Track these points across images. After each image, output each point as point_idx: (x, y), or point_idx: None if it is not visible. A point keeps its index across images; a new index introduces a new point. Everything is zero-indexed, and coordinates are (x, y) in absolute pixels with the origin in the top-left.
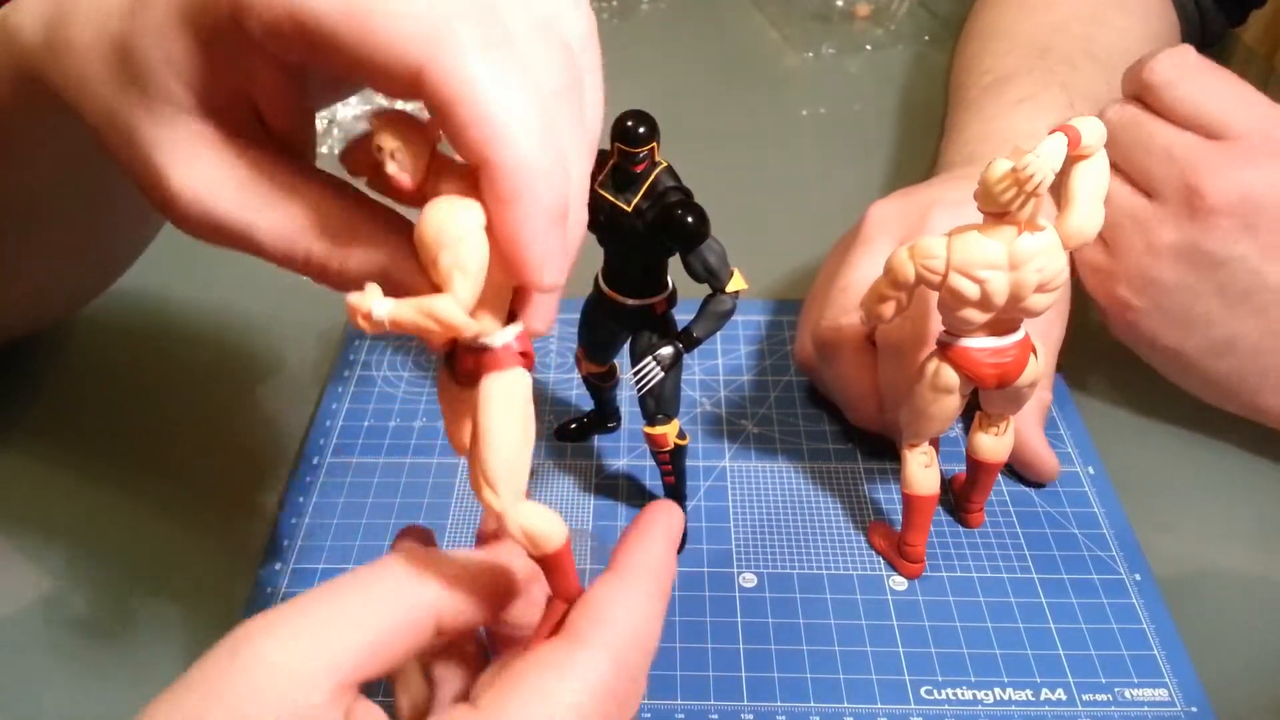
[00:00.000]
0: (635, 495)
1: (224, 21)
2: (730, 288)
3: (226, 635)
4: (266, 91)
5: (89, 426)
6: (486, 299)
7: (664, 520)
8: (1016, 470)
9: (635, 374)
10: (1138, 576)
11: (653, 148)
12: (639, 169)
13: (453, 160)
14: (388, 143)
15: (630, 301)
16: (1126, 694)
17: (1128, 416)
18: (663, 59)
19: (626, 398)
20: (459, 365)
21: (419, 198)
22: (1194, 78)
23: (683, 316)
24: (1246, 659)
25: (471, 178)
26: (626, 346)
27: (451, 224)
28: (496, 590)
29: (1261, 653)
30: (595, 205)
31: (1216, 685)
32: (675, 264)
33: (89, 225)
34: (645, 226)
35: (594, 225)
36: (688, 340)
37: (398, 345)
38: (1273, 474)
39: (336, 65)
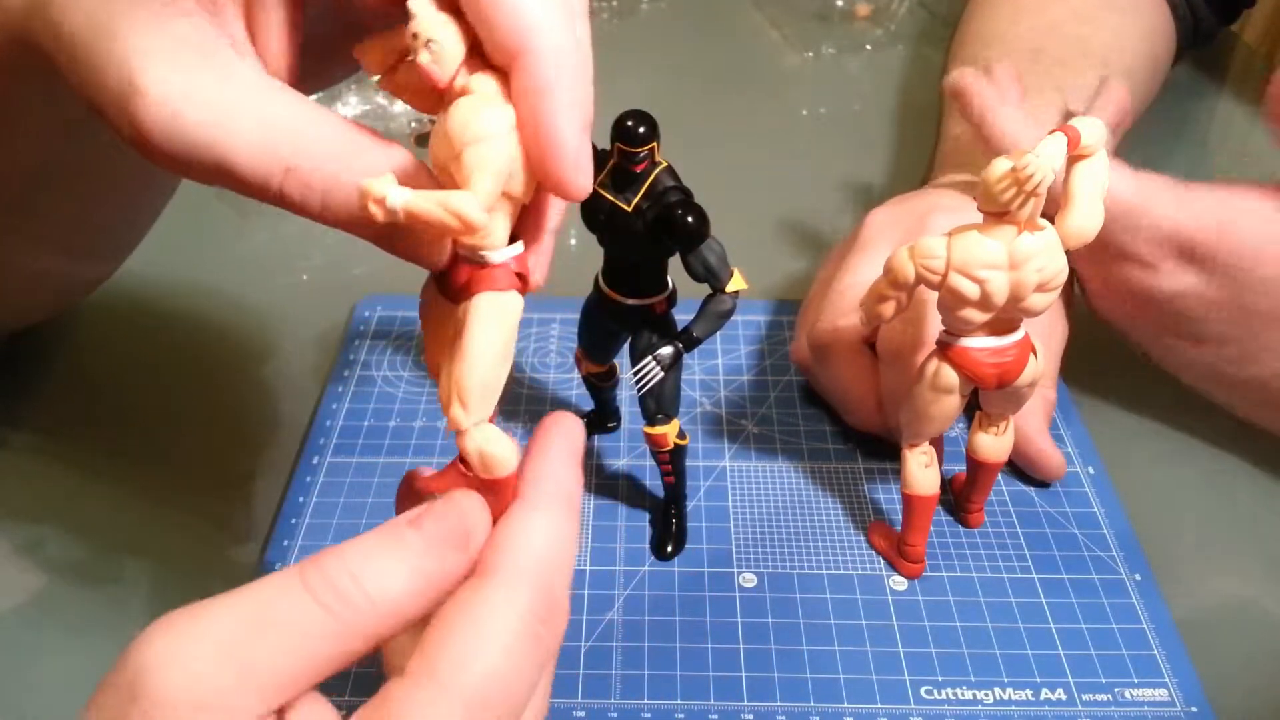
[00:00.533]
0: (635, 495)
1: None
2: (730, 288)
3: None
4: (266, 3)
5: (87, 426)
6: (496, 211)
7: (560, 434)
8: (1021, 469)
9: (635, 374)
10: (1138, 576)
11: (653, 147)
12: (639, 169)
13: (482, 64)
14: (427, 29)
15: (630, 301)
16: (1126, 694)
17: (1128, 417)
18: (663, 59)
19: (626, 398)
20: (452, 279)
21: (440, 101)
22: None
23: (683, 316)
24: (1246, 659)
25: (501, 82)
26: (626, 346)
27: (481, 120)
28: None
29: (1261, 653)
30: (595, 205)
31: (1216, 685)
32: (675, 264)
33: (80, 215)
34: (645, 226)
35: (594, 225)
36: (688, 340)
37: (398, 345)
38: (1274, 473)
39: None
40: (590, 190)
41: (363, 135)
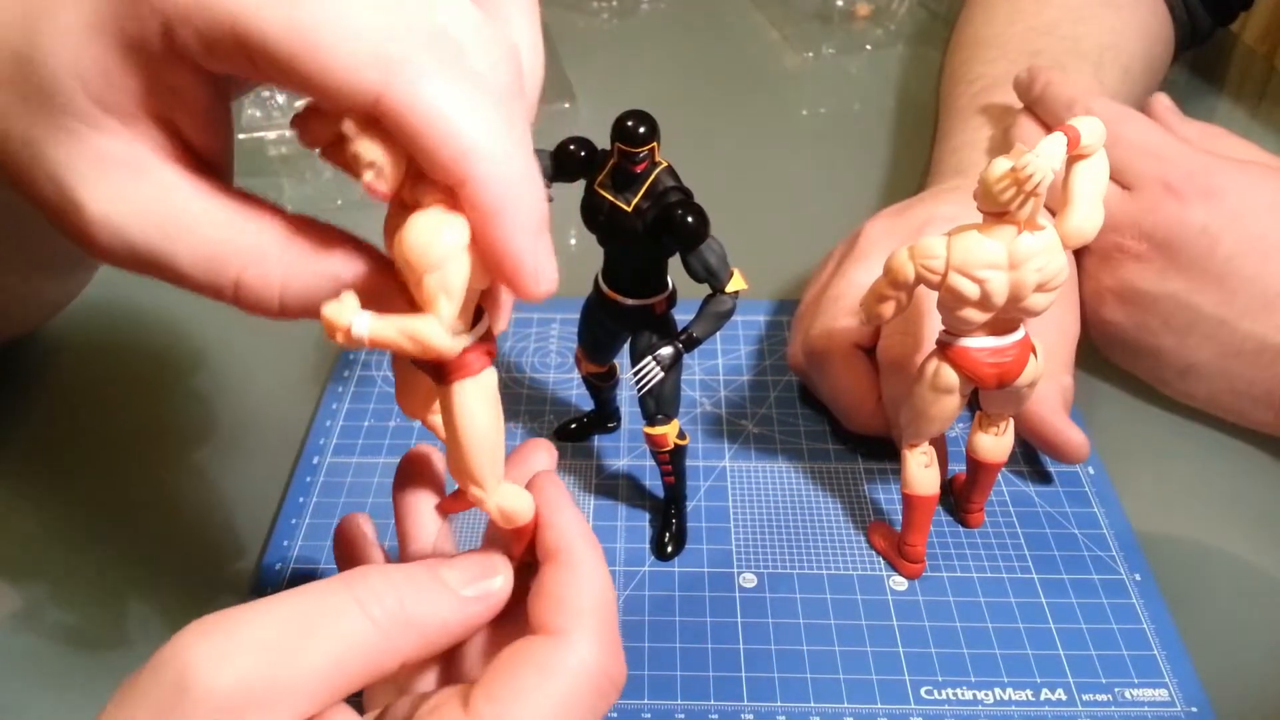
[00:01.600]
0: (635, 495)
1: (150, 32)
2: (730, 288)
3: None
4: (189, 107)
5: (86, 425)
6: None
7: (554, 486)
8: (1044, 454)
9: (635, 374)
10: (1138, 576)
11: (653, 148)
12: (639, 169)
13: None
14: (368, 153)
15: (630, 301)
16: (1126, 694)
17: (1128, 416)
18: (663, 59)
19: (626, 398)
20: (433, 367)
21: (392, 199)
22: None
23: (683, 316)
24: (1246, 659)
25: (447, 188)
26: (626, 346)
27: (437, 243)
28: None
29: (1261, 653)
30: (595, 205)
31: (1216, 685)
32: (675, 264)
33: (44, 239)
34: (645, 226)
35: (594, 225)
36: (688, 340)
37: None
38: (1273, 473)
39: (278, 83)
40: (554, 286)
41: (305, 238)
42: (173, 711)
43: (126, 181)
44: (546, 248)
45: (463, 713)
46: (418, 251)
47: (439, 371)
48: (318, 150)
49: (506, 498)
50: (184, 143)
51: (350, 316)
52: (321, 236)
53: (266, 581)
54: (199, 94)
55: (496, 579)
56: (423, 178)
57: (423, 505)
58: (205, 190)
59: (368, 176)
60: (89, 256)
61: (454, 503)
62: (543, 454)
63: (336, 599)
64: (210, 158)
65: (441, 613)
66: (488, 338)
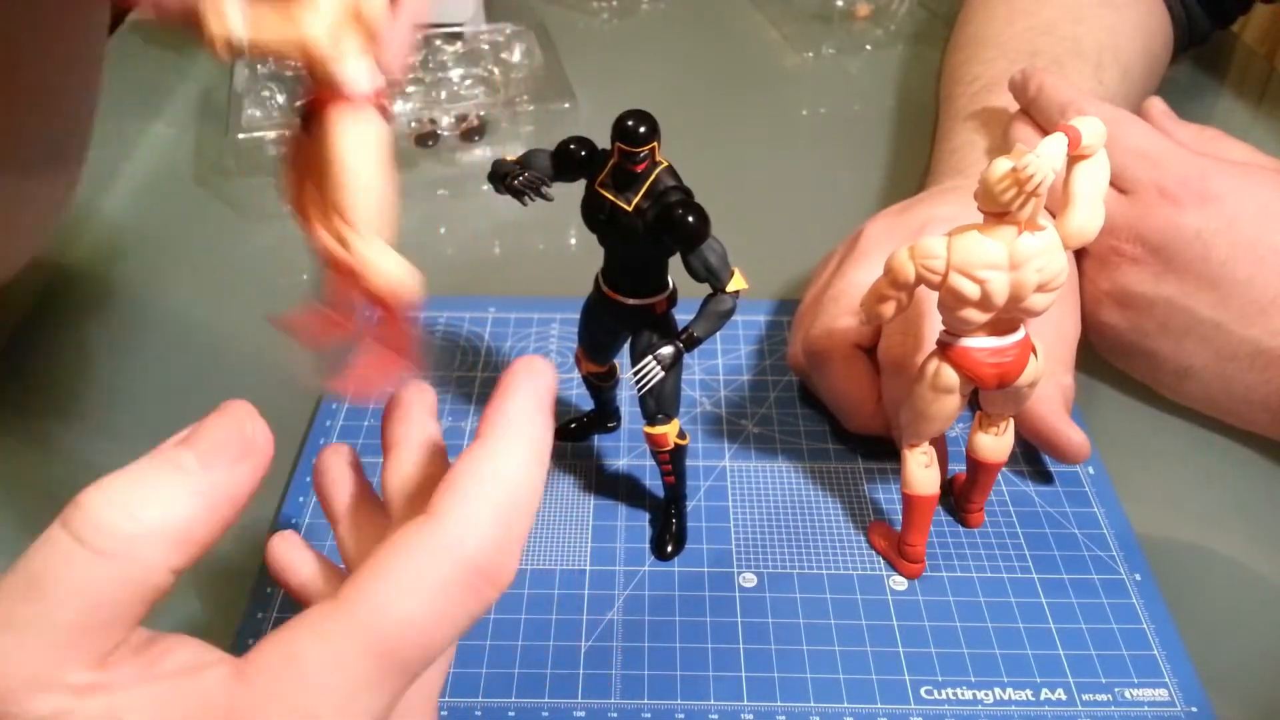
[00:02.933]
0: (635, 495)
1: None
2: (731, 287)
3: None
4: None
5: (84, 426)
6: (347, 40)
7: (528, 376)
8: (1045, 454)
9: (635, 374)
10: (1138, 576)
11: (653, 147)
12: (639, 169)
13: None
14: None
15: (630, 301)
16: (1126, 694)
17: (1127, 416)
18: (663, 59)
19: (626, 398)
20: (314, 115)
21: None
22: None
23: (683, 316)
24: (1246, 659)
25: None
26: (626, 346)
27: None
28: (217, 511)
29: (1261, 653)
30: (595, 205)
31: (1216, 685)
32: (675, 264)
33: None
34: (645, 226)
35: (594, 225)
36: (688, 340)
37: None
38: (1273, 474)
39: None
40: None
41: None
42: None
43: None
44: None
45: (332, 603)
46: None
47: (322, 114)
48: None
49: (378, 252)
50: None
51: (228, 13)
52: None
53: (267, 582)
54: None
55: (244, 433)
56: None
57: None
58: None
59: None
60: None
61: (307, 321)
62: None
63: (56, 543)
64: None
65: (181, 508)
66: (381, 97)
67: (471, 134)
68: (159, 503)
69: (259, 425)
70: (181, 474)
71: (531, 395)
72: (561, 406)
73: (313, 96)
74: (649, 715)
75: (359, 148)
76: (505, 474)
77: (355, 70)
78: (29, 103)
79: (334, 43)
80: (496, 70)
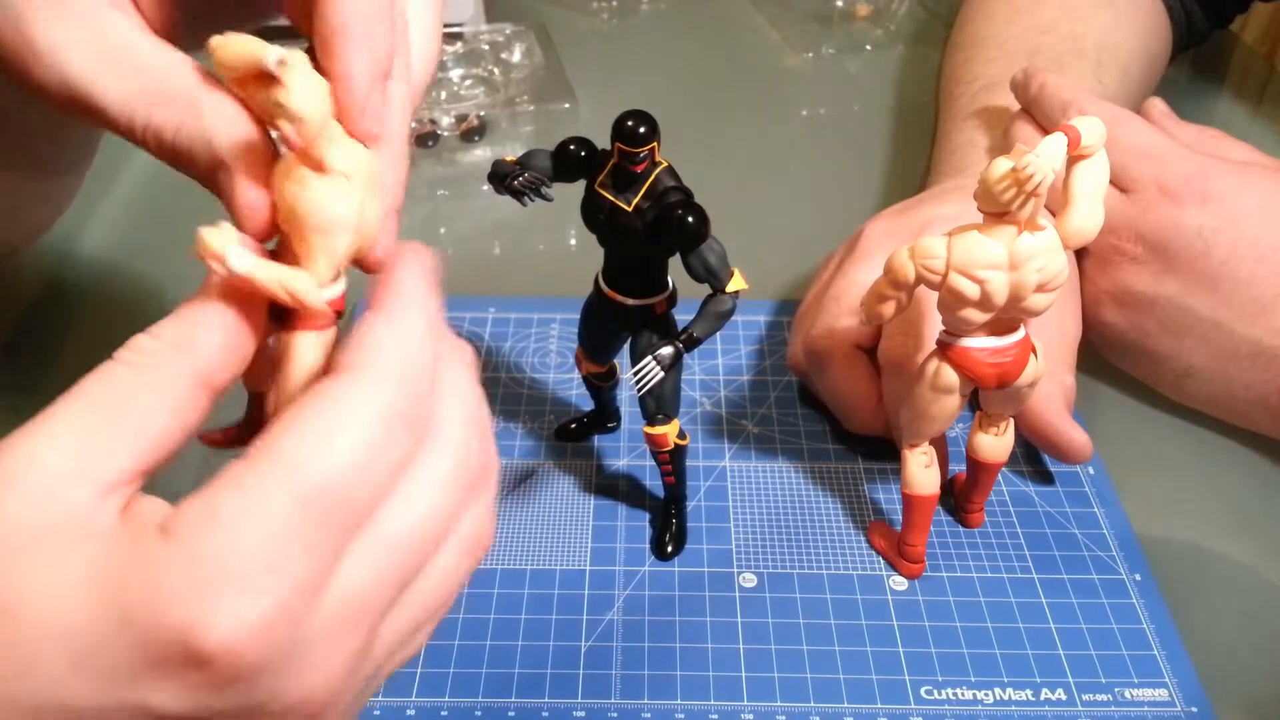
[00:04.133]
0: (635, 495)
1: None
2: (730, 288)
3: None
4: None
5: None
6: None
7: (413, 259)
8: (1046, 455)
9: (635, 374)
10: (1138, 576)
11: (653, 147)
12: (639, 169)
13: (340, 131)
14: (294, 100)
15: (630, 301)
16: (1126, 694)
17: (1127, 416)
18: (663, 59)
19: (626, 398)
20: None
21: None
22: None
23: (683, 316)
24: (1246, 659)
25: (351, 154)
26: (626, 346)
27: (332, 209)
28: (245, 328)
29: (1261, 653)
30: (595, 205)
31: (1216, 685)
32: (675, 264)
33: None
34: (645, 226)
35: (594, 225)
36: (688, 340)
37: None
38: (1274, 474)
39: None
40: (381, 130)
41: (214, 84)
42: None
43: (76, 23)
44: (379, 93)
45: (243, 458)
46: (313, 211)
47: (285, 317)
48: (225, 77)
49: None
50: (141, 10)
51: (227, 244)
52: (228, 105)
53: None
54: None
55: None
56: (335, 139)
57: None
58: (144, 39)
59: (286, 129)
60: (36, 91)
61: (229, 437)
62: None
63: (100, 369)
64: (163, 28)
65: (201, 329)
66: (339, 304)
67: (471, 134)
68: (179, 321)
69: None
70: (198, 303)
71: (418, 269)
72: (561, 406)
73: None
74: (649, 715)
75: (311, 365)
76: (410, 336)
77: (327, 292)
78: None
79: (316, 275)
80: (496, 70)
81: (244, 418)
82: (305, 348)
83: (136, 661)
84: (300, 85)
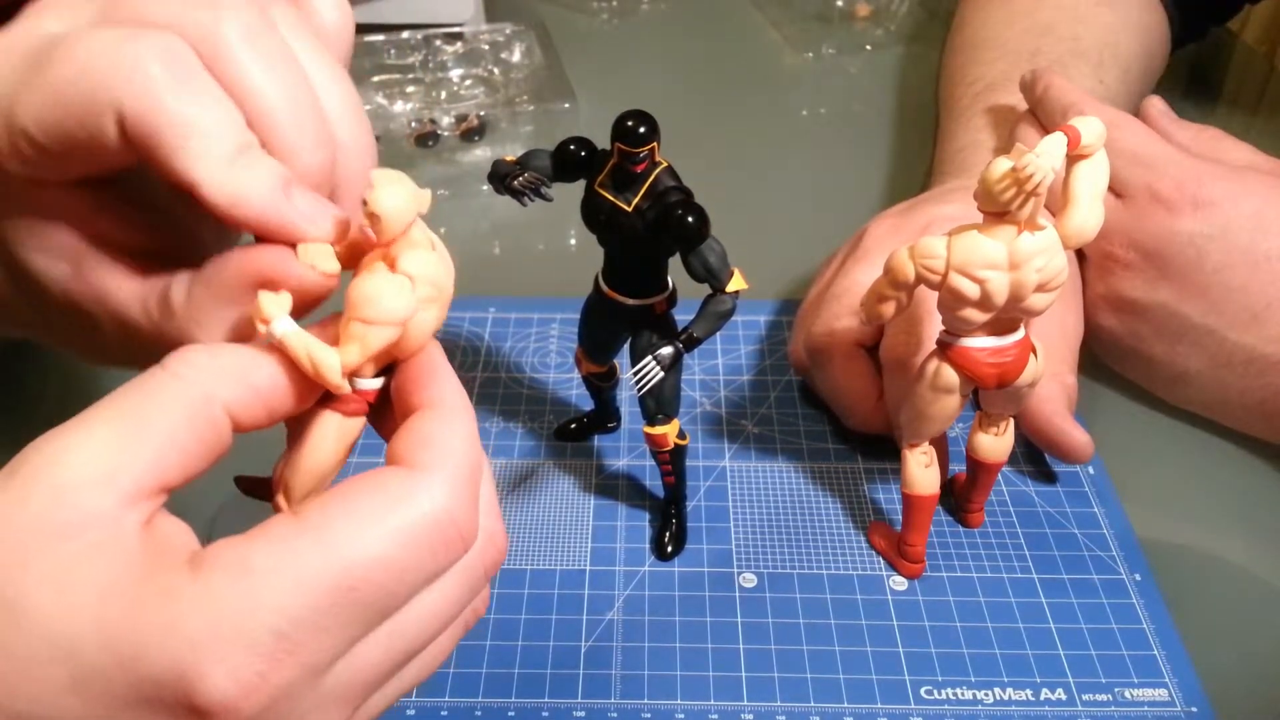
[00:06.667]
0: (635, 495)
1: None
2: (730, 288)
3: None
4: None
5: None
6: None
7: (444, 356)
8: (1047, 455)
9: (635, 374)
10: (1138, 576)
11: (653, 147)
12: (639, 169)
13: (424, 239)
14: (375, 205)
15: (630, 301)
16: (1126, 694)
17: (1128, 417)
18: (663, 59)
19: (626, 398)
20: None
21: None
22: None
23: (683, 316)
24: (1246, 659)
25: (425, 262)
26: (626, 346)
27: (380, 304)
28: (292, 383)
29: (1261, 653)
30: (595, 205)
31: (1216, 685)
32: (675, 264)
33: None
34: (645, 226)
35: (594, 225)
36: (688, 340)
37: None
38: (1273, 475)
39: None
40: (329, 223)
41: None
42: (18, 497)
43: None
44: (293, 210)
45: (294, 517)
46: (362, 299)
47: (326, 396)
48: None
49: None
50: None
51: (277, 312)
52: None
53: None
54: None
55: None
56: (414, 244)
57: None
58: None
59: (365, 225)
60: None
61: (255, 486)
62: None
63: (144, 374)
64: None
65: (256, 364)
66: (372, 397)
67: (471, 134)
68: (237, 352)
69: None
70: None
71: (454, 375)
72: (561, 406)
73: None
74: (649, 715)
75: (327, 448)
76: (468, 440)
77: (362, 384)
78: None
79: (346, 357)
80: (496, 70)
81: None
82: (326, 427)
83: (133, 694)
84: (383, 190)
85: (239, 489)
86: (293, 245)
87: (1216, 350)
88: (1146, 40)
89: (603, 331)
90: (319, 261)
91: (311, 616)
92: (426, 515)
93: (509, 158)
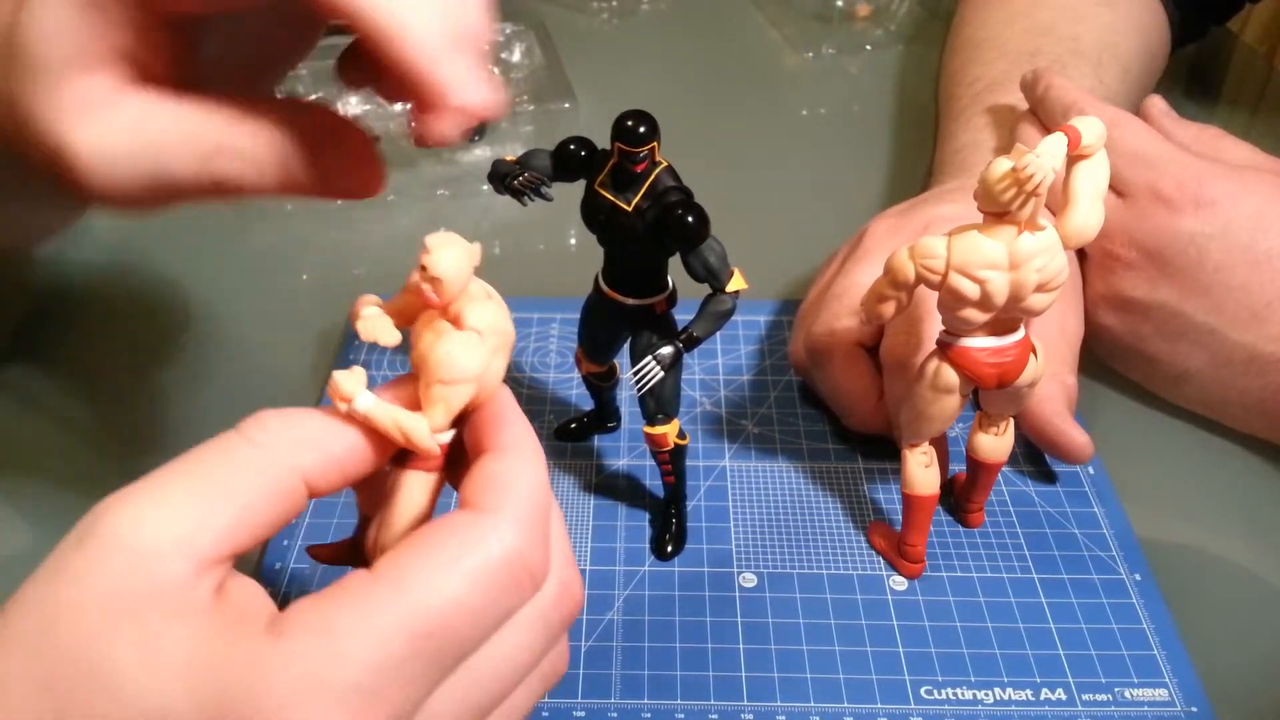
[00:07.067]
0: (635, 495)
1: None
2: (730, 287)
3: (82, 518)
4: (152, 45)
5: (83, 426)
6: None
7: (513, 401)
8: (1047, 455)
9: (635, 374)
10: (1138, 576)
11: (653, 147)
12: (639, 169)
13: (481, 292)
14: (432, 269)
15: (630, 301)
16: (1126, 694)
17: (1128, 417)
18: (663, 59)
19: (626, 398)
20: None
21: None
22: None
23: (683, 316)
24: (1246, 659)
25: (487, 314)
26: (626, 346)
27: (459, 365)
28: (368, 448)
29: (1261, 653)
30: (595, 205)
31: (1216, 685)
32: (675, 264)
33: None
34: (645, 226)
35: (594, 225)
36: (688, 340)
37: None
38: (1273, 474)
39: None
40: (481, 102)
41: (288, 128)
42: (96, 562)
43: (108, 117)
44: (464, 62)
45: (369, 572)
46: (442, 363)
47: (401, 455)
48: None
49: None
50: (156, 76)
51: (357, 389)
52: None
53: (266, 581)
54: (156, 34)
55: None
56: (474, 299)
57: None
58: (182, 103)
59: (426, 289)
60: (94, 196)
61: (337, 554)
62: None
63: (221, 437)
64: (187, 84)
65: (331, 433)
66: (446, 445)
67: (471, 134)
68: (314, 421)
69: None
70: (332, 413)
71: (524, 417)
72: (561, 406)
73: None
74: (649, 715)
75: (417, 501)
76: (537, 482)
77: (438, 438)
78: None
79: (433, 421)
80: (496, 70)
81: (351, 538)
82: (414, 486)
83: None
84: (440, 252)
85: (318, 560)
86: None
87: (1217, 349)
88: (1146, 40)
89: (603, 331)
90: (381, 336)
91: (393, 667)
92: (495, 555)
93: (509, 158)
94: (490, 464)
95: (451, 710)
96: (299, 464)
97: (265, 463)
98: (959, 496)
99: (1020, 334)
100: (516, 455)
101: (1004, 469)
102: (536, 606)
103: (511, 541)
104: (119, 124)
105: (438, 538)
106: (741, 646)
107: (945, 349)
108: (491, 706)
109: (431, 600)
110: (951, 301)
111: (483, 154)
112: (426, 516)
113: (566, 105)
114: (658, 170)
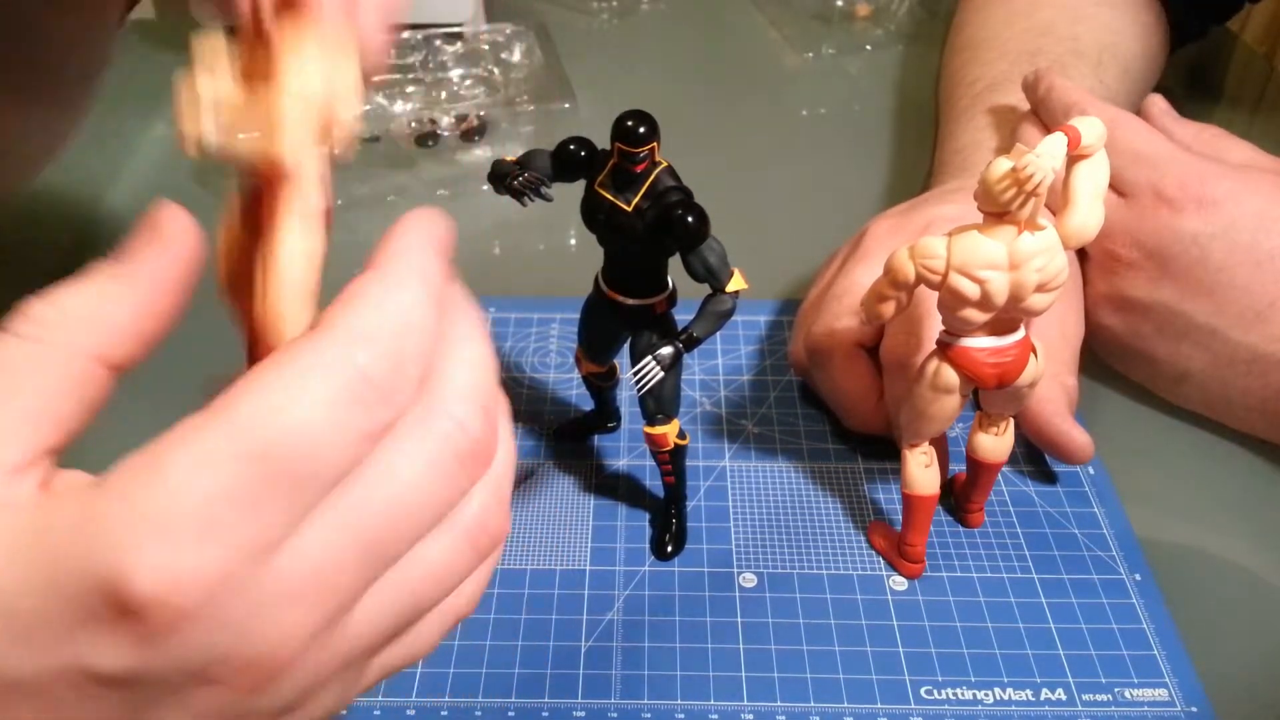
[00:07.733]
0: (635, 495)
1: None
2: (730, 287)
3: None
4: None
5: None
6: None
7: (421, 220)
8: (1047, 456)
9: (635, 374)
10: (1138, 576)
11: (653, 147)
12: (639, 169)
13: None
14: None
15: (630, 301)
16: (1126, 694)
17: (1128, 417)
18: (663, 59)
19: (626, 398)
20: (253, 203)
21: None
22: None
23: (683, 316)
24: (1246, 659)
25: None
26: (626, 346)
27: (322, 80)
28: (165, 298)
29: (1261, 653)
30: (595, 205)
31: (1216, 685)
32: (675, 264)
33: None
34: (645, 226)
35: (594, 225)
36: (688, 340)
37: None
38: (1273, 474)
39: None
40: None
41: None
42: None
43: None
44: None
45: (205, 413)
46: (304, 84)
47: (258, 227)
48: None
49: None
50: None
51: (205, 124)
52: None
53: None
54: None
55: (160, 227)
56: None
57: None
58: None
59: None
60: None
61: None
62: (435, 215)
63: (4, 348)
64: None
65: (106, 298)
66: (328, 212)
67: (471, 134)
68: (84, 293)
69: (178, 217)
70: (108, 274)
71: (424, 234)
72: (561, 406)
73: (260, 196)
74: (649, 715)
75: (299, 264)
76: (399, 298)
77: (313, 188)
78: (51, 42)
79: (299, 160)
80: (496, 70)
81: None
82: (290, 248)
83: (68, 617)
84: None
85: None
86: None
87: (1219, 349)
88: (1146, 40)
89: (603, 331)
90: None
91: (229, 497)
92: (330, 374)
93: (509, 158)
94: (352, 283)
95: (330, 544)
96: (82, 347)
97: (43, 357)
98: (959, 496)
99: (1020, 334)
100: (380, 272)
101: (1004, 469)
102: (426, 439)
103: (351, 355)
104: None
105: (270, 365)
106: (741, 646)
107: (945, 349)
108: (390, 549)
109: (264, 423)
110: (952, 301)
111: (483, 154)
112: (311, 292)
113: (566, 105)
114: (658, 170)
